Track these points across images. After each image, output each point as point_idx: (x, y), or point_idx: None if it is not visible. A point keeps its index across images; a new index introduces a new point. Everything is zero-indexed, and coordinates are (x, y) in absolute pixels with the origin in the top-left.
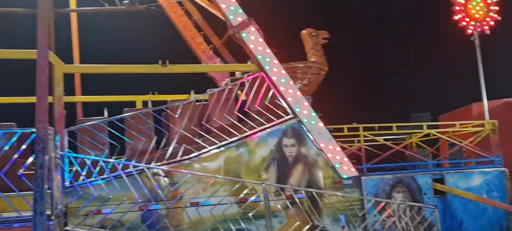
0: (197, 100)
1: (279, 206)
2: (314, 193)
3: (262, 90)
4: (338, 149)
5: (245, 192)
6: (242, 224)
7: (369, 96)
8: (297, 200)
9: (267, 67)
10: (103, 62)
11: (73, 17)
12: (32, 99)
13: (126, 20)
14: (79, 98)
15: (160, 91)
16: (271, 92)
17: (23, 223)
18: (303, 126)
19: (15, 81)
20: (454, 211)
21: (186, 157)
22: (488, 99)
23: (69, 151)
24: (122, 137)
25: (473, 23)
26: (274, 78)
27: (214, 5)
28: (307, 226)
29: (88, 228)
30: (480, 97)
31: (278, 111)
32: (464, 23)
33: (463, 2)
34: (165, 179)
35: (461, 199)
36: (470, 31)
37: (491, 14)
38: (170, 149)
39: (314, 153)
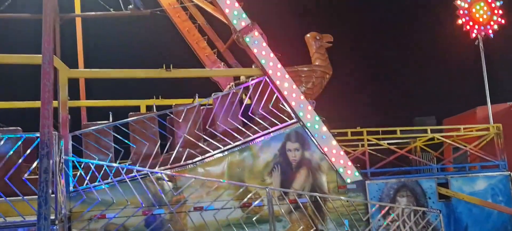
0: (201, 105)
1: (282, 211)
2: (318, 198)
3: (266, 95)
4: (342, 153)
5: (248, 196)
6: (246, 229)
7: (373, 100)
8: (300, 205)
9: (270, 72)
10: (107, 67)
11: (78, 22)
12: (37, 104)
13: (131, 25)
14: (83, 103)
15: (164, 96)
16: (275, 97)
17: (27, 228)
18: (307, 130)
19: (20, 87)
20: (458, 216)
21: (190, 161)
22: (493, 103)
23: (74, 155)
24: (126, 141)
25: (477, 27)
26: (277, 82)
27: (218, 10)
28: None
29: None
30: (485, 101)
31: (282, 116)
32: (468, 27)
33: (467, 6)
34: (169, 183)
35: (466, 203)
36: (474, 35)
37: (495, 18)
38: (174, 153)
39: (318, 157)
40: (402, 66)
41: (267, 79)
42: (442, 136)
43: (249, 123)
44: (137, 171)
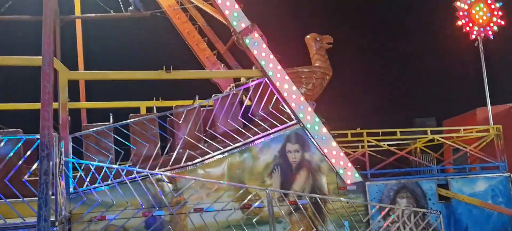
0: (202, 106)
1: (283, 212)
2: (318, 199)
3: (266, 96)
4: (342, 154)
5: (248, 197)
6: (246, 230)
7: (373, 102)
8: (300, 206)
9: (270, 73)
10: (107, 69)
11: (78, 24)
12: (37, 105)
13: (131, 27)
14: (83, 104)
15: (164, 98)
16: (274, 98)
17: (27, 229)
18: (307, 132)
19: (20, 88)
20: (458, 217)
21: (190, 163)
22: (492, 104)
23: (74, 157)
24: (127, 142)
25: (477, 28)
26: (277, 84)
27: (218, 11)
28: None
29: None
30: (485, 102)
31: (282, 117)
32: (468, 29)
33: (467, 7)
34: (169, 184)
35: (466, 204)
36: (474, 36)
37: (495, 19)
38: (174, 154)
39: (318, 158)
40: (402, 67)
41: (267, 81)
42: (442, 137)
43: (249, 124)
44: (137, 172)
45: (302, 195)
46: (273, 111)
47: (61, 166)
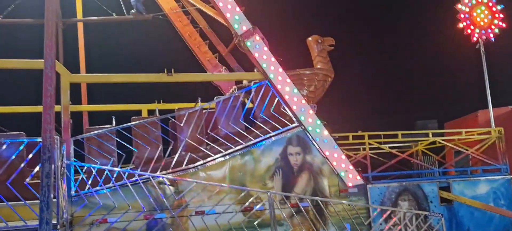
0: (204, 109)
1: (284, 215)
2: (320, 202)
3: (267, 99)
4: (344, 157)
5: (250, 200)
6: None
7: (375, 104)
8: (302, 209)
9: (272, 76)
10: (109, 72)
11: (80, 27)
12: (39, 108)
13: (132, 30)
14: (85, 107)
15: (165, 100)
16: (276, 101)
17: None
18: (308, 134)
19: (22, 91)
20: (460, 220)
21: (191, 165)
22: (494, 106)
23: (75, 160)
24: (128, 145)
25: (478, 31)
26: (278, 86)
27: (220, 14)
28: None
29: None
30: (486, 105)
31: (283, 120)
32: (469, 31)
33: (468, 10)
34: (171, 187)
35: (467, 207)
36: (475, 39)
37: (496, 22)
38: (176, 157)
39: (319, 161)
40: (403, 70)
41: (268, 84)
42: (443, 140)
43: (250, 127)
44: (139, 175)
45: (304, 197)
46: (275, 114)
47: (63, 168)
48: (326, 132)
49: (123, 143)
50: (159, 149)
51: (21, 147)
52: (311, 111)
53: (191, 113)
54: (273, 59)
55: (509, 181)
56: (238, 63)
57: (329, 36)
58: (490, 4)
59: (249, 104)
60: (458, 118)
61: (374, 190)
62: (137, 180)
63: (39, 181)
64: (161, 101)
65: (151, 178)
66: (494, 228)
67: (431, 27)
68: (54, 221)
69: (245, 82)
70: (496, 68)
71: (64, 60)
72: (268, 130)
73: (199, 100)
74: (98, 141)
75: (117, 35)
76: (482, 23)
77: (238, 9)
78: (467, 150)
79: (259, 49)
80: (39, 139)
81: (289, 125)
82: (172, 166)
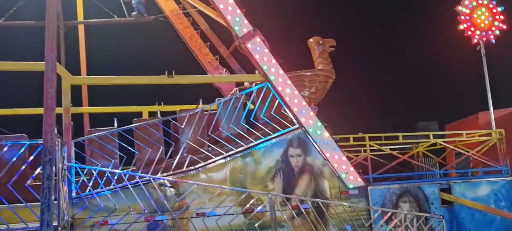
0: (205, 110)
1: (285, 216)
2: (320, 203)
3: (268, 101)
4: (344, 158)
5: (251, 202)
6: None
7: (375, 106)
8: (303, 210)
9: (272, 77)
10: (110, 74)
11: (81, 29)
12: (40, 110)
13: (133, 32)
14: (86, 109)
15: (166, 102)
16: (277, 102)
17: None
18: (309, 136)
19: (24, 93)
20: (461, 221)
21: (192, 167)
22: (495, 108)
23: (76, 162)
24: (129, 147)
25: (478, 32)
26: (279, 88)
27: (220, 16)
28: None
29: None
30: (487, 107)
31: (284, 122)
32: (469, 33)
33: (469, 12)
34: (171, 189)
35: (468, 208)
36: (475, 40)
37: (497, 23)
38: (177, 159)
39: (320, 163)
40: (404, 71)
41: (269, 85)
42: (444, 141)
43: (251, 129)
44: (140, 177)
45: (305, 199)
46: (275, 115)
47: (64, 170)
48: (326, 134)
49: (124, 144)
50: (160, 150)
51: (22, 149)
52: (311, 113)
53: (192, 115)
54: (273, 61)
55: (510, 183)
56: (239, 65)
57: (329, 37)
58: (491, 6)
59: (250, 106)
60: (459, 119)
61: (375, 192)
62: (138, 182)
63: (40, 183)
64: (162, 103)
65: (152, 180)
66: (495, 229)
67: (432, 28)
68: (55, 223)
69: (246, 84)
70: (496, 69)
71: (65, 62)
72: (269, 131)
73: (201, 102)
74: (99, 143)
75: (118, 37)
76: (482, 25)
77: (238, 11)
78: (468, 152)
79: (259, 51)
80: (40, 141)
81: (290, 127)
82: (173, 167)
